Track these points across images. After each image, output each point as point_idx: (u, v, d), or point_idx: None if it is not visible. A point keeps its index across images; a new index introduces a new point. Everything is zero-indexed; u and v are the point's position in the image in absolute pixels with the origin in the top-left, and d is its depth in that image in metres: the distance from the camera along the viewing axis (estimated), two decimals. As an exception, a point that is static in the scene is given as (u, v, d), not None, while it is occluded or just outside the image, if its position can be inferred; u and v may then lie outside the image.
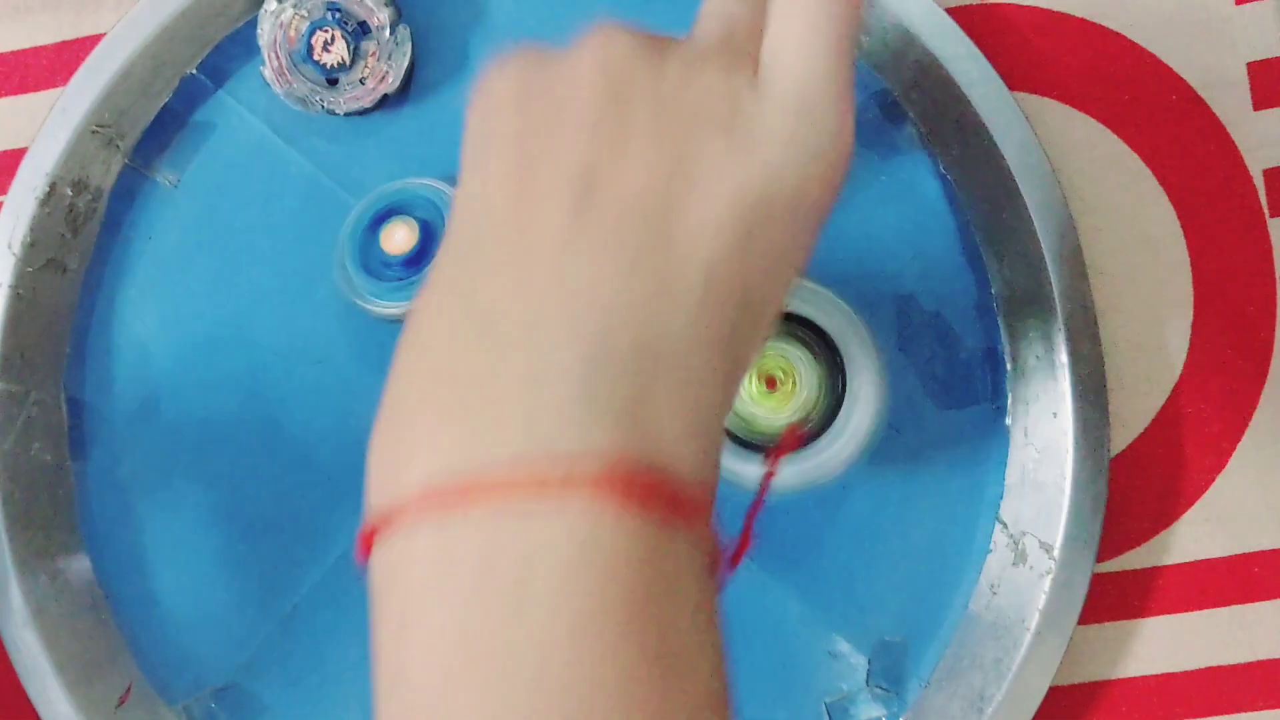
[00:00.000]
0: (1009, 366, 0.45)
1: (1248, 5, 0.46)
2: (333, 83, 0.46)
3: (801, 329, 0.41)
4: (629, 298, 0.24)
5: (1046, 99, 0.46)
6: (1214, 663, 0.45)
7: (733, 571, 0.26)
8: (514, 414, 0.23)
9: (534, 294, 0.24)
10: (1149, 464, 0.46)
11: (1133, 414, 0.46)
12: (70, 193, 0.45)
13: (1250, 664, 0.45)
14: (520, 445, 0.23)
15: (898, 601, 0.45)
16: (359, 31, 0.46)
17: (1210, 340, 0.46)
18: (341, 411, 0.46)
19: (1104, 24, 0.46)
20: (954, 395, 0.46)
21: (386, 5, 0.45)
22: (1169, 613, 0.45)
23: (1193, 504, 0.46)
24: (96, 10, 0.47)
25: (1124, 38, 0.46)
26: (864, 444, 0.40)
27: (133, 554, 0.46)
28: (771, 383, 0.41)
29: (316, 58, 0.45)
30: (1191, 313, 0.46)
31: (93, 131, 0.45)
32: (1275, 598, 0.45)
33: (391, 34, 0.46)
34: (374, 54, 0.46)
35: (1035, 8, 0.46)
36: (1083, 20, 0.46)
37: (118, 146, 0.46)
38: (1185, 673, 0.45)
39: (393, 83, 0.46)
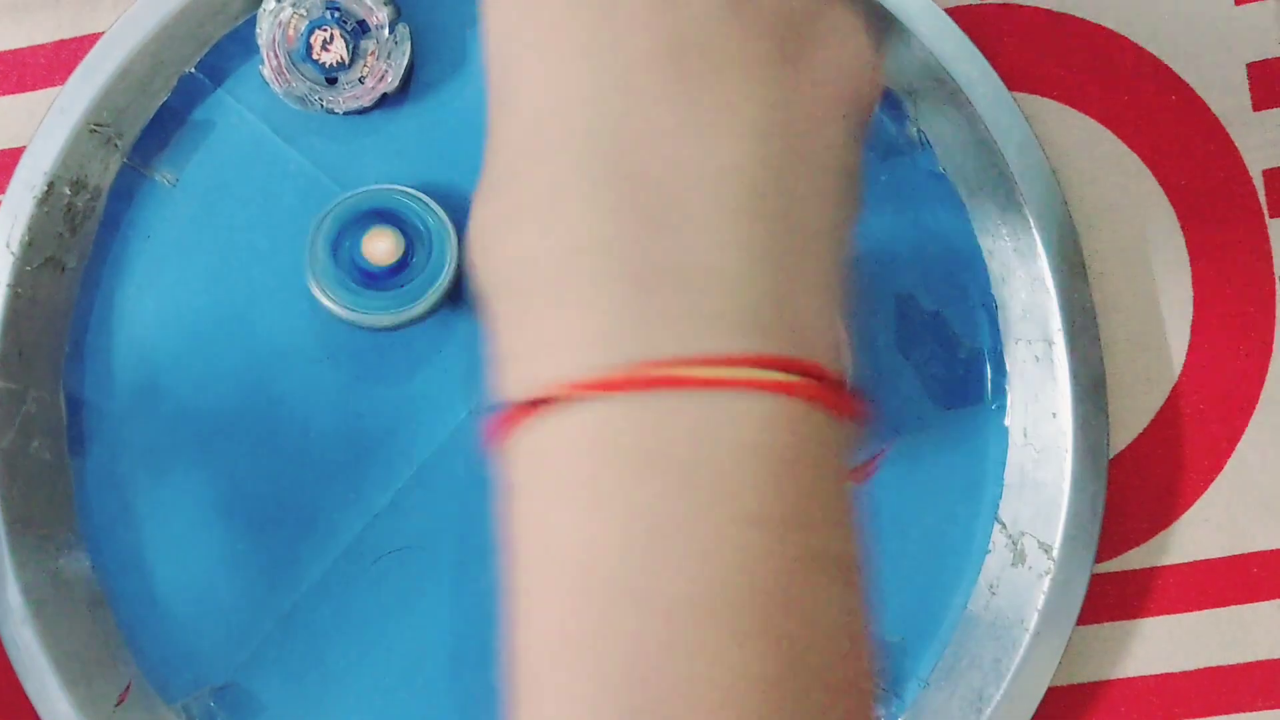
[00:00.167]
0: (1008, 366, 0.45)
1: (1248, 5, 0.46)
2: (332, 82, 0.46)
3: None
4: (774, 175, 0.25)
5: (1046, 99, 0.46)
6: (1213, 663, 0.45)
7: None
8: (676, 306, 0.23)
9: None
10: (1148, 464, 0.46)
11: (1132, 414, 0.46)
12: (68, 191, 0.45)
13: (1249, 664, 0.45)
14: (683, 340, 0.23)
15: (896, 601, 0.45)
16: (358, 30, 0.45)
17: (1210, 340, 0.46)
18: (341, 410, 0.46)
19: (1104, 24, 0.46)
20: (953, 395, 0.46)
21: (386, 4, 0.45)
22: (1168, 613, 0.45)
23: (1192, 504, 0.46)
24: (95, 9, 0.47)
25: (1124, 38, 0.46)
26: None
27: (132, 552, 0.46)
28: None
29: (315, 57, 0.45)
30: (1191, 313, 0.46)
31: (91, 130, 0.45)
32: (1275, 598, 0.45)
33: (391, 33, 0.45)
34: (373, 53, 0.46)
35: (1035, 8, 0.46)
36: (1083, 20, 0.46)
37: (116, 145, 0.46)
38: (1184, 673, 0.45)
39: (392, 82, 0.46)
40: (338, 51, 0.45)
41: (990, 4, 0.46)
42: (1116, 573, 0.45)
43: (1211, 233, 0.46)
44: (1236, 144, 0.46)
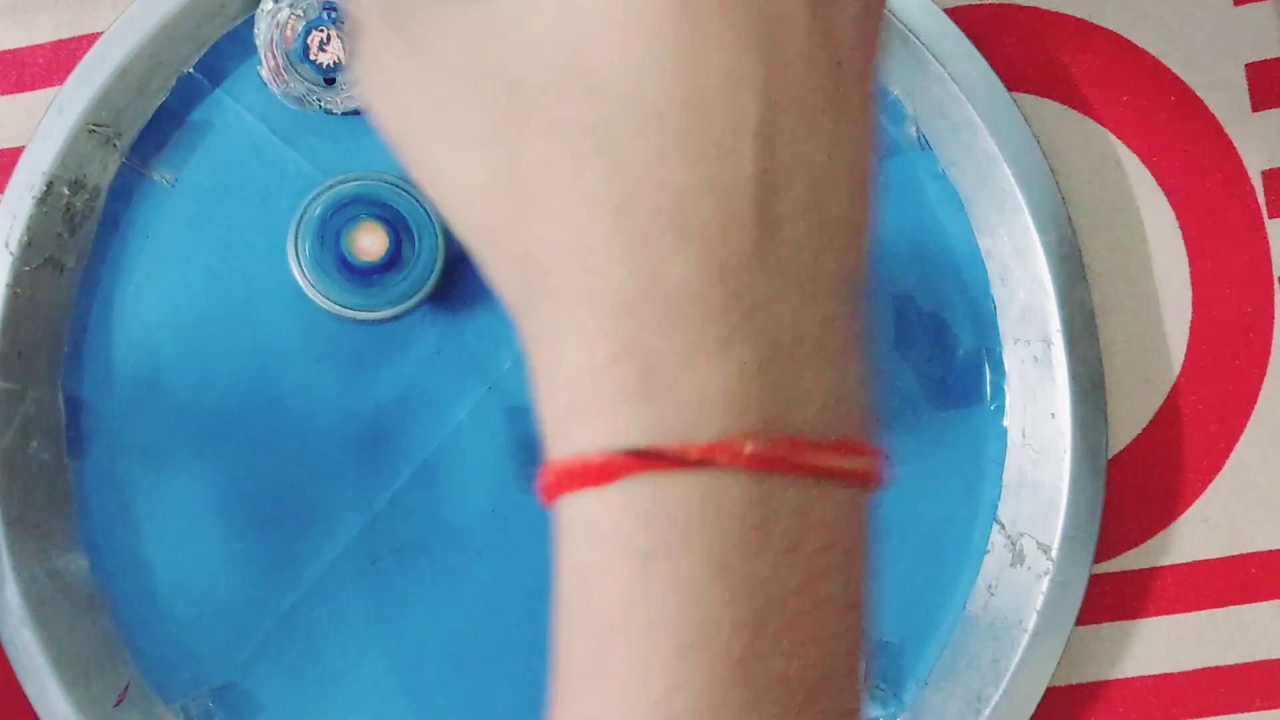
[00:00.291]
0: (1007, 367, 0.45)
1: (1247, 6, 0.46)
2: (330, 82, 0.46)
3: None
4: None
5: (1046, 99, 0.46)
6: (1212, 663, 0.45)
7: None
8: (688, 392, 0.24)
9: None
10: (1147, 464, 0.46)
11: (1131, 414, 0.46)
12: (67, 191, 0.45)
13: (1248, 664, 0.45)
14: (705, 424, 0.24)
15: (895, 602, 0.45)
16: (357, 30, 0.45)
17: (1209, 340, 0.46)
18: (340, 410, 0.46)
19: (1104, 24, 0.46)
20: (952, 395, 0.46)
21: (384, 4, 0.45)
22: (1167, 613, 0.45)
23: (1191, 504, 0.46)
24: (94, 9, 0.47)
25: (1123, 38, 0.46)
26: None
27: (131, 552, 0.46)
28: None
29: (313, 57, 0.45)
30: (1190, 313, 0.46)
31: (90, 130, 0.45)
32: (1273, 598, 0.45)
33: (389, 33, 0.45)
34: (372, 53, 0.46)
35: (1035, 8, 0.46)
36: (1082, 20, 0.46)
37: (115, 145, 0.46)
38: (1183, 673, 0.45)
39: (390, 82, 0.46)
40: (335, 52, 0.45)
41: (990, 4, 0.46)
42: (1115, 573, 0.45)
43: (1210, 233, 0.46)
44: (1235, 144, 0.46)
